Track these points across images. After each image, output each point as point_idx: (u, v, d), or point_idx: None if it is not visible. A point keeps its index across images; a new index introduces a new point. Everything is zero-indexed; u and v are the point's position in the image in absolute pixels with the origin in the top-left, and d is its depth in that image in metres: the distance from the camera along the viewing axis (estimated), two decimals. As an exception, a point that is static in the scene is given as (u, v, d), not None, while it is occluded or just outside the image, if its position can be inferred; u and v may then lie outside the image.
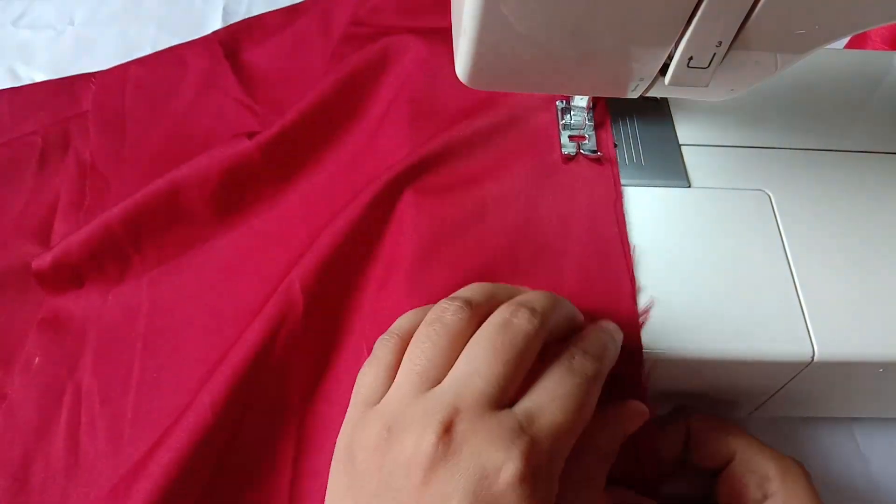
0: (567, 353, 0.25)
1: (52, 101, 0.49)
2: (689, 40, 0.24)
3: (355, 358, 0.35)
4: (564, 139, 0.38)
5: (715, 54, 0.24)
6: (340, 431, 0.26)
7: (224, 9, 0.58)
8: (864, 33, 0.52)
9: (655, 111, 0.40)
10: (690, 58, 0.25)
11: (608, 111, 0.39)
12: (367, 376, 0.26)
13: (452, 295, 0.26)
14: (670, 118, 0.40)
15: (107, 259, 0.40)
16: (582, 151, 0.37)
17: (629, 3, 0.22)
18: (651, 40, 0.24)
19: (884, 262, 0.34)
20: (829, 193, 0.37)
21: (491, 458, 0.21)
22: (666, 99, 0.41)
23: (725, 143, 0.39)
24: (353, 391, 0.26)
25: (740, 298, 0.32)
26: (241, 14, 0.58)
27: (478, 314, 0.25)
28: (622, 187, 0.36)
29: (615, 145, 0.38)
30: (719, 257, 0.34)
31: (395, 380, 0.25)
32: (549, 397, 0.23)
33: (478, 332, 0.24)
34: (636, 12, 0.23)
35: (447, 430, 0.22)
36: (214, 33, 0.53)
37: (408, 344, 0.25)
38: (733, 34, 0.24)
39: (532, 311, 0.25)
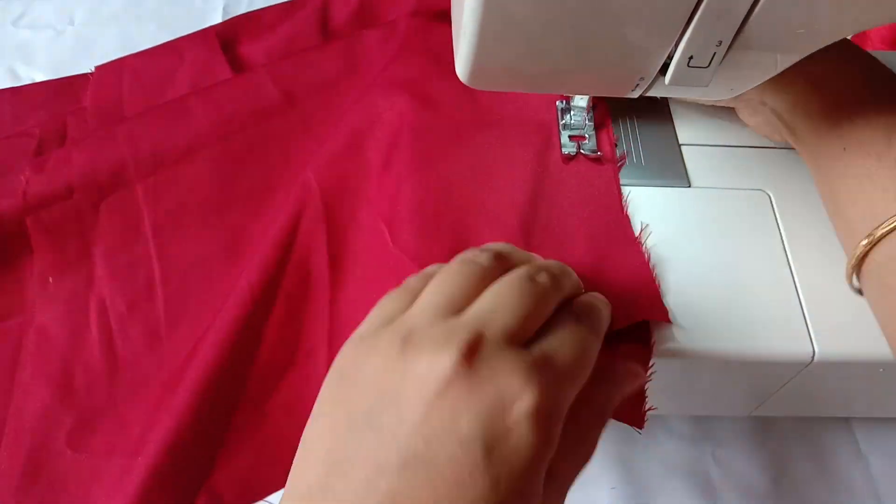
0: (571, 312, 0.26)
1: (52, 100, 0.50)
2: (689, 40, 0.24)
3: (370, 233, 0.37)
4: (564, 139, 0.38)
5: (715, 54, 0.24)
6: (343, 346, 0.25)
7: (224, 9, 0.58)
8: (864, 33, 0.52)
9: (655, 111, 0.40)
10: (691, 57, 0.25)
11: (608, 111, 0.39)
12: (390, 300, 0.26)
13: (483, 246, 0.28)
14: (670, 118, 0.40)
15: (101, 165, 0.41)
16: (582, 151, 0.37)
17: (629, 3, 0.22)
18: (651, 40, 0.24)
19: (884, 262, 0.34)
20: (829, 193, 0.36)
21: (511, 387, 0.21)
22: (666, 99, 0.41)
23: (725, 143, 0.39)
24: (372, 311, 0.26)
25: (740, 298, 0.32)
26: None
27: (506, 265, 0.26)
28: (622, 187, 0.36)
29: (615, 144, 0.38)
30: (719, 257, 0.34)
31: (417, 301, 0.25)
32: (560, 342, 0.24)
33: (503, 277, 0.25)
34: (636, 12, 0.23)
35: (472, 351, 0.22)
36: (212, 27, 0.53)
37: None
38: (733, 34, 0.24)
39: (552, 274, 0.26)
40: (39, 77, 0.54)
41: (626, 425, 0.30)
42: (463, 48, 0.25)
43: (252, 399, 0.34)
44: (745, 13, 0.23)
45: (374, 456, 0.21)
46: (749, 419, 0.40)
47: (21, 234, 0.39)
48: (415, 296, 0.25)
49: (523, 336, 0.24)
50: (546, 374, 0.22)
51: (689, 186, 0.37)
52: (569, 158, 0.37)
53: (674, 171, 0.37)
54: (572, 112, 0.38)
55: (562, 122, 0.39)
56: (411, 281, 0.27)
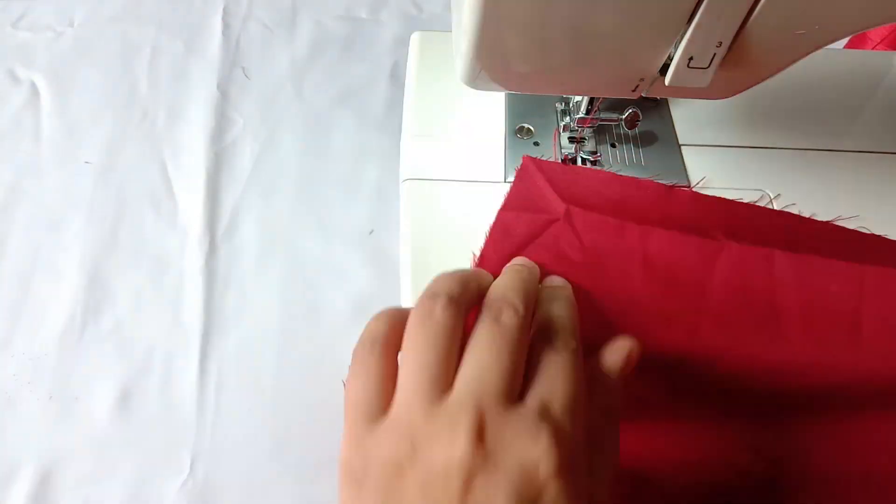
0: (543, 338, 0.26)
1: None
2: (689, 40, 0.24)
3: None
4: (564, 141, 0.38)
5: (715, 54, 0.24)
6: (341, 451, 0.25)
7: (224, 9, 0.58)
8: (864, 33, 0.52)
9: (655, 111, 0.40)
10: (691, 58, 0.25)
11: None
12: (358, 389, 0.25)
13: (430, 291, 0.26)
14: (670, 118, 0.40)
15: None
16: (581, 154, 0.37)
17: (629, 3, 0.22)
18: (651, 40, 0.24)
19: (884, 262, 0.34)
20: (829, 193, 0.37)
21: (527, 452, 0.22)
22: (666, 99, 0.41)
23: (725, 143, 0.39)
24: (345, 405, 0.25)
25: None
26: (240, 15, 0.58)
27: (462, 307, 0.25)
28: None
29: (612, 145, 0.38)
30: (719, 257, 0.34)
31: (400, 388, 0.24)
32: (550, 383, 0.24)
33: (475, 334, 0.25)
34: (636, 12, 0.23)
35: (479, 434, 0.22)
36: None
37: (393, 348, 0.25)
38: (733, 34, 0.24)
39: (510, 302, 0.26)
40: (39, 78, 0.54)
41: None
42: (463, 48, 0.25)
43: None
44: (746, 13, 0.23)
45: None
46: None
47: None
48: (381, 377, 0.25)
49: (515, 388, 0.24)
50: (551, 422, 0.23)
51: (689, 186, 0.37)
52: (568, 160, 0.37)
53: (674, 171, 0.37)
54: (572, 114, 0.38)
55: (561, 124, 0.39)
56: (367, 357, 0.25)
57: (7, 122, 0.52)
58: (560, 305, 0.27)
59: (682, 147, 0.38)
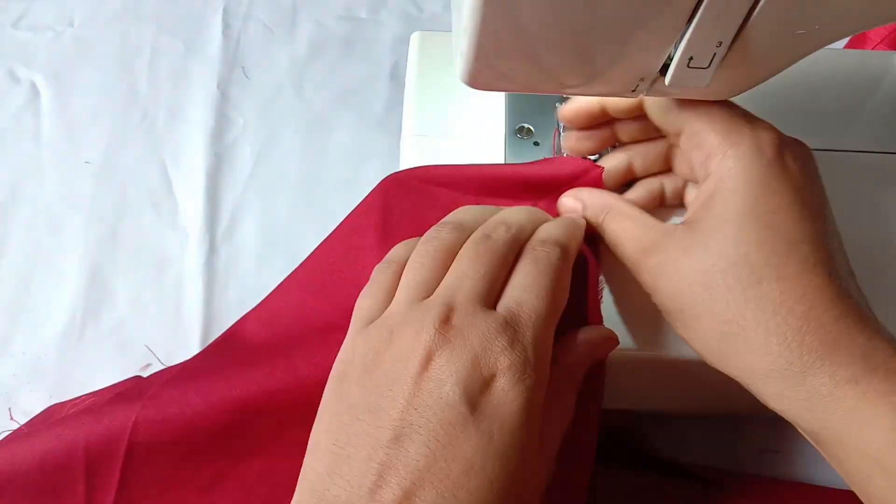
0: (528, 247, 0.27)
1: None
2: (689, 40, 0.24)
3: None
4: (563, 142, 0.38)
5: (715, 54, 0.24)
6: (339, 353, 0.27)
7: (224, 9, 0.58)
8: (864, 33, 0.52)
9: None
10: (691, 58, 0.25)
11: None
12: (366, 299, 0.28)
13: (443, 220, 0.29)
14: (670, 118, 0.40)
15: None
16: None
17: (629, 3, 0.22)
18: (651, 40, 0.24)
19: (884, 262, 0.34)
20: (829, 193, 0.36)
21: (485, 348, 0.24)
22: (666, 99, 0.41)
23: (725, 144, 0.39)
24: (353, 316, 0.28)
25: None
26: (240, 15, 0.58)
27: (467, 233, 0.28)
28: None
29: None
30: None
31: (395, 295, 0.27)
32: (521, 289, 0.26)
33: (463, 247, 0.27)
34: (636, 12, 0.23)
35: (444, 322, 0.24)
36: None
37: (403, 268, 0.28)
38: (733, 34, 0.24)
39: (507, 225, 0.28)
40: (39, 79, 0.54)
41: None
42: (462, 48, 0.25)
43: None
44: (746, 13, 0.23)
45: (373, 434, 0.23)
46: (750, 419, 0.40)
47: None
48: (387, 290, 0.27)
49: (490, 293, 0.26)
50: (515, 326, 0.24)
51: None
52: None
53: (674, 172, 0.37)
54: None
55: (561, 124, 0.38)
56: (379, 276, 0.28)
57: (7, 122, 0.52)
58: (558, 226, 0.29)
59: (682, 147, 0.38)
